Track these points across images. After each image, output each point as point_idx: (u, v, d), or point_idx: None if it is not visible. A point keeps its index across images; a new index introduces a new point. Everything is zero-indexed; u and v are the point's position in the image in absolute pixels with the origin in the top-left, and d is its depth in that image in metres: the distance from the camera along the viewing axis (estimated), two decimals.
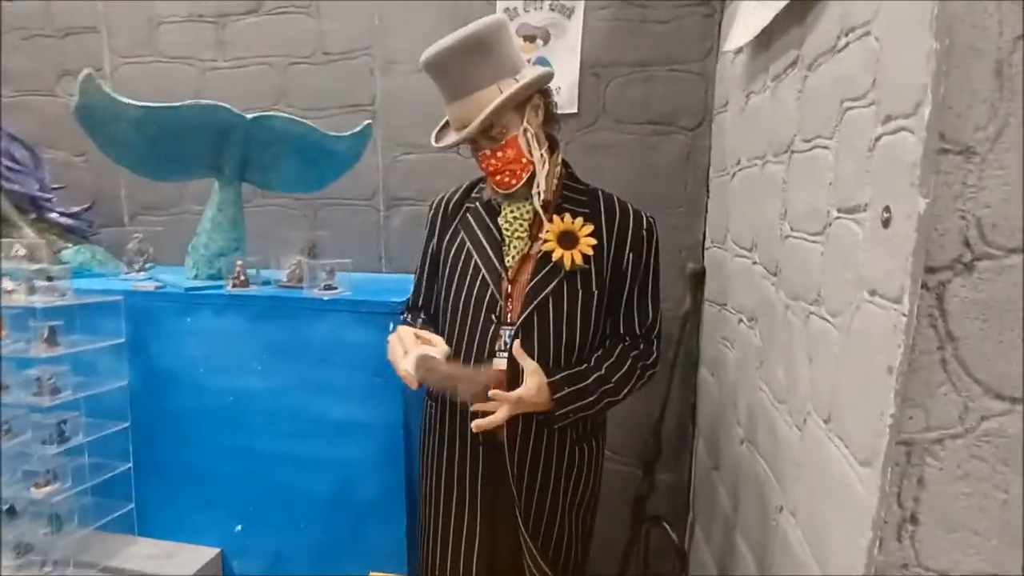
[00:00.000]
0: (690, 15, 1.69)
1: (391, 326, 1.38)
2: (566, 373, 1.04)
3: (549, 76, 1.04)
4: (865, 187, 0.70)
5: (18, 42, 2.09)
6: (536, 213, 1.07)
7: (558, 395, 1.02)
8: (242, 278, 1.54)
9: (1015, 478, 0.59)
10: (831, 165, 0.82)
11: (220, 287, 1.55)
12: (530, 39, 1.79)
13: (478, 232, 1.12)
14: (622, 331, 1.11)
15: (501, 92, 0.98)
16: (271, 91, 1.97)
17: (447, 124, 1.13)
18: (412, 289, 1.27)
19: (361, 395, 1.43)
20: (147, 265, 1.79)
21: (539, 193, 1.05)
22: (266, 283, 1.59)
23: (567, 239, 1.06)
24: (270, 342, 1.47)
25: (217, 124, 1.44)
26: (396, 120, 1.90)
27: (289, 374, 1.47)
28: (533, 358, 1.04)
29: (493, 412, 0.99)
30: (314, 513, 1.50)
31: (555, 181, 1.11)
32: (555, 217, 1.07)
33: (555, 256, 1.05)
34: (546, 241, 1.06)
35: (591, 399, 1.03)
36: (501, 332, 1.07)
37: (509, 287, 1.08)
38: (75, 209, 1.87)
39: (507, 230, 1.09)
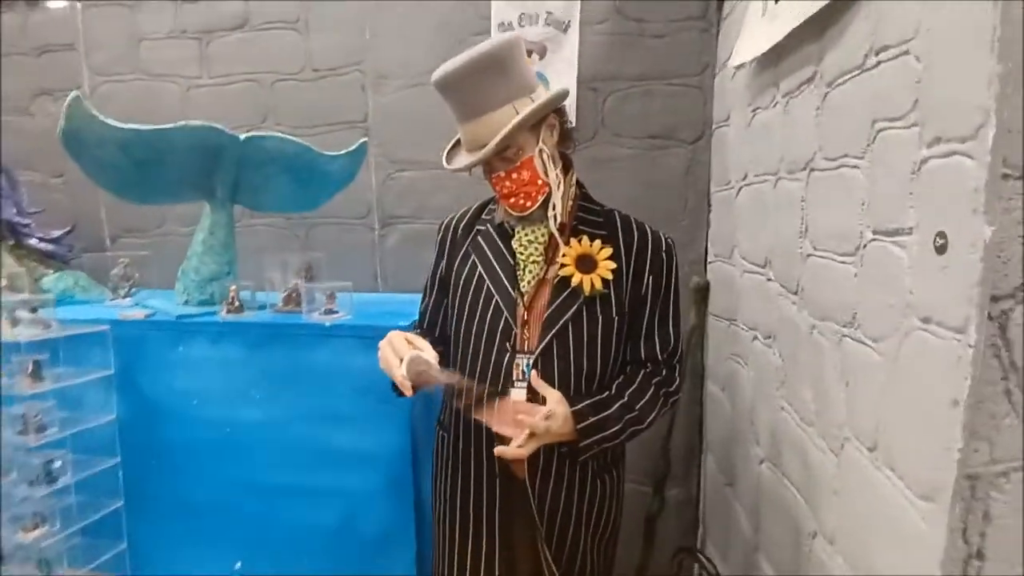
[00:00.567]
0: (686, 29, 1.69)
1: None
2: (589, 402, 1.00)
3: (564, 95, 1.01)
4: (908, 210, 0.69)
5: None
6: (551, 236, 1.04)
7: (582, 425, 0.98)
8: (237, 304, 1.47)
9: None
10: (863, 185, 0.81)
11: (214, 313, 1.48)
12: (526, 54, 1.77)
13: (490, 256, 1.08)
14: (643, 357, 1.08)
15: (517, 112, 0.95)
16: (258, 109, 1.91)
17: (456, 144, 1.09)
18: (419, 311, 1.22)
19: (367, 423, 1.38)
20: (133, 291, 1.71)
21: (556, 216, 1.01)
22: (262, 308, 1.53)
23: (585, 263, 1.03)
24: (269, 370, 1.41)
25: (209, 146, 1.38)
26: (390, 137, 1.86)
27: (289, 403, 1.40)
28: (553, 387, 1.00)
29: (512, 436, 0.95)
30: (318, 548, 1.43)
31: (570, 203, 1.08)
32: (572, 240, 1.04)
33: (574, 281, 1.02)
34: (564, 265, 1.03)
35: (615, 428, 1.00)
36: (518, 361, 1.03)
37: (525, 314, 1.04)
38: (55, 233, 1.78)
39: (521, 254, 1.06)
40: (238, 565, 1.47)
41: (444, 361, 1.05)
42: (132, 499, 1.48)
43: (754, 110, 1.31)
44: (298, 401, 1.40)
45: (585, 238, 1.04)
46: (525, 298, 1.04)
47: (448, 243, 1.15)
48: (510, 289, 1.04)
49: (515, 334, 1.03)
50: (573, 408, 0.98)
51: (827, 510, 0.91)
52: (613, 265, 1.03)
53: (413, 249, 1.89)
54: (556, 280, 1.03)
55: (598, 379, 1.05)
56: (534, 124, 0.99)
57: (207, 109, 1.88)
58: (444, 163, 1.06)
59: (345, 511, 1.41)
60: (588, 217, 1.08)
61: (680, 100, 1.72)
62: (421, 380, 0.95)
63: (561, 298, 1.02)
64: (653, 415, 1.03)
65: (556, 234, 1.02)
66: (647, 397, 1.03)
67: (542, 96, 0.98)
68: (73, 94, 1.19)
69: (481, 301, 1.06)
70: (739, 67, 1.37)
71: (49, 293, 1.58)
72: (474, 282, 1.08)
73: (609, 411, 1.00)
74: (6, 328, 1.28)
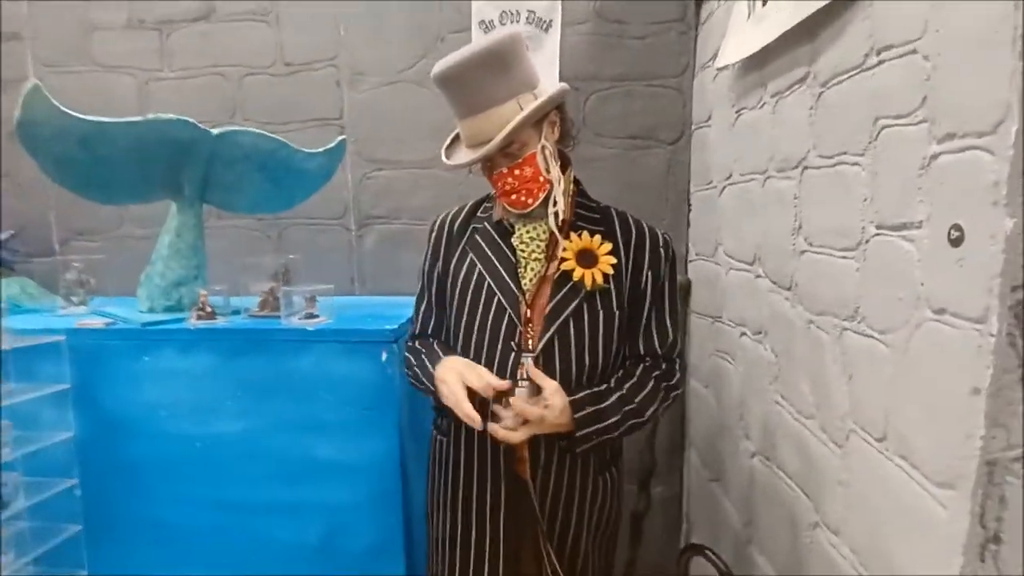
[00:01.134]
0: (666, 31, 1.71)
1: (383, 355, 1.29)
2: (587, 393, 0.99)
3: (566, 91, 1.00)
4: (917, 204, 0.70)
5: None
6: (552, 233, 1.02)
7: (579, 415, 0.96)
8: (208, 309, 1.39)
9: None
10: (864, 181, 0.83)
11: (182, 320, 1.39)
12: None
13: (490, 254, 1.05)
14: (642, 352, 1.08)
15: (521, 107, 0.93)
16: (225, 104, 1.82)
17: (454, 142, 1.06)
18: (414, 317, 1.18)
19: (351, 432, 1.32)
20: (88, 298, 1.59)
21: (558, 212, 1.00)
22: (236, 313, 1.45)
23: (586, 258, 1.02)
24: (245, 379, 1.33)
25: (178, 141, 1.30)
26: (366, 135, 1.80)
27: (268, 414, 1.33)
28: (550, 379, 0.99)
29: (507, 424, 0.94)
30: (301, 567, 1.36)
31: (568, 199, 1.06)
32: (572, 235, 1.03)
33: (575, 276, 1.01)
34: (564, 260, 1.02)
35: (614, 420, 0.99)
36: (522, 360, 1.01)
37: (528, 311, 1.03)
38: None
39: (523, 252, 1.04)
40: None
41: None
42: (93, 523, 1.37)
43: (739, 111, 1.34)
44: (277, 411, 1.33)
45: (585, 233, 1.03)
46: (527, 296, 1.03)
47: (444, 242, 1.12)
48: (512, 287, 1.02)
49: (519, 332, 1.01)
50: (571, 398, 0.97)
51: (831, 501, 0.92)
52: (614, 260, 1.02)
53: (391, 251, 1.84)
54: (557, 276, 1.02)
55: (599, 375, 1.04)
56: (537, 120, 0.97)
57: (168, 104, 1.77)
58: (444, 159, 1.03)
59: (329, 526, 1.34)
60: (586, 214, 1.07)
61: (660, 101, 1.74)
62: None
63: (562, 293, 1.01)
64: (653, 408, 1.03)
65: (556, 231, 1.01)
66: (647, 390, 1.03)
67: (545, 92, 0.97)
68: (32, 83, 1.09)
69: (483, 301, 1.03)
70: (722, 69, 1.40)
71: None
72: (474, 281, 1.05)
73: (607, 402, 0.99)
74: None
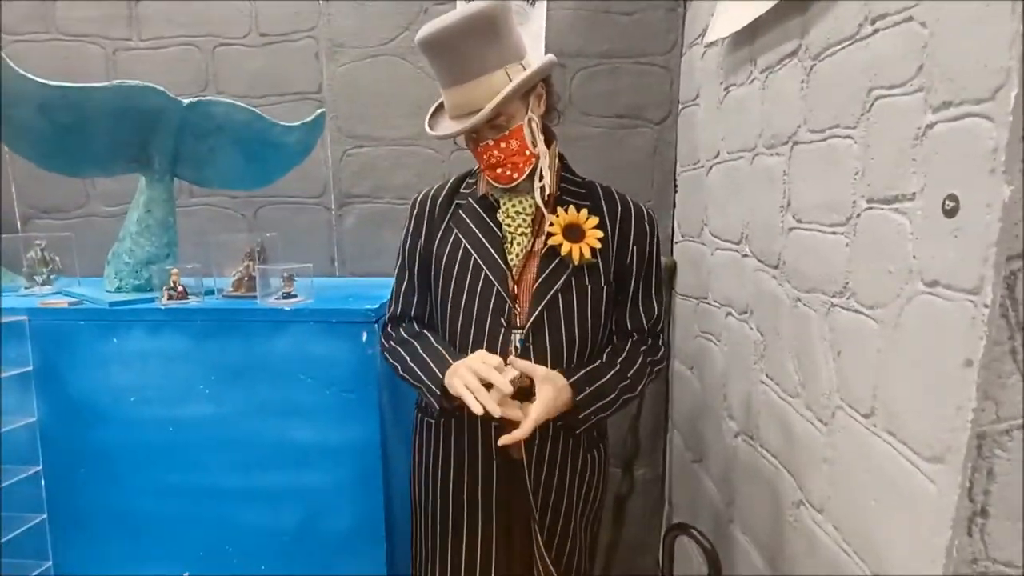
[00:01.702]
0: (653, 8, 1.68)
1: (363, 336, 1.26)
2: (584, 372, 0.98)
3: (554, 63, 0.96)
4: (910, 176, 0.69)
5: None
6: (539, 207, 0.99)
7: (580, 396, 0.95)
8: (180, 289, 1.34)
9: None
10: (856, 155, 0.81)
11: (152, 300, 1.34)
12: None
13: (475, 230, 1.02)
14: (629, 327, 1.07)
15: (510, 77, 0.90)
16: (198, 75, 1.74)
17: (437, 111, 1.02)
18: (392, 298, 1.14)
19: (331, 415, 1.28)
20: (52, 277, 1.52)
21: (544, 187, 0.97)
22: (209, 293, 1.39)
23: (573, 232, 1.00)
24: (218, 362, 1.28)
25: (146, 109, 1.23)
26: (347, 110, 1.74)
27: (243, 397, 1.28)
28: (545, 360, 0.97)
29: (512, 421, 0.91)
30: (278, 553, 1.32)
31: (553, 174, 1.04)
32: (559, 210, 1.01)
33: (563, 250, 0.98)
34: (552, 235, 0.99)
35: (611, 397, 0.98)
36: (511, 337, 0.98)
37: (515, 288, 1.00)
38: None
39: (509, 227, 1.01)
40: None
41: None
42: (57, 513, 1.32)
43: (727, 88, 1.31)
44: (253, 394, 1.28)
45: (572, 207, 1.01)
46: (515, 271, 1.00)
47: (426, 219, 1.08)
48: (500, 262, 0.99)
49: (508, 308, 0.98)
50: (570, 380, 0.95)
51: (815, 479, 0.92)
52: (600, 234, 1.00)
53: (373, 230, 1.79)
54: (544, 250, 1.00)
55: (589, 350, 1.03)
56: (524, 93, 0.94)
57: (137, 75, 1.64)
58: (427, 129, 0.99)
59: (308, 512, 1.31)
60: (571, 188, 1.05)
61: (647, 79, 1.71)
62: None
63: (550, 268, 0.99)
64: (642, 383, 1.03)
65: (541, 205, 0.98)
66: (637, 365, 1.02)
67: (533, 63, 0.93)
68: None
69: (469, 277, 1.00)
70: (710, 45, 1.37)
71: None
72: (459, 258, 1.02)
73: (604, 379, 0.99)
74: None
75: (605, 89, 1.71)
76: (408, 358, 1.03)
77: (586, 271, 1.00)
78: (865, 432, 0.78)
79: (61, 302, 1.33)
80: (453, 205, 1.07)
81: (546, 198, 0.98)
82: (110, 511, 1.32)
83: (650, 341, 1.07)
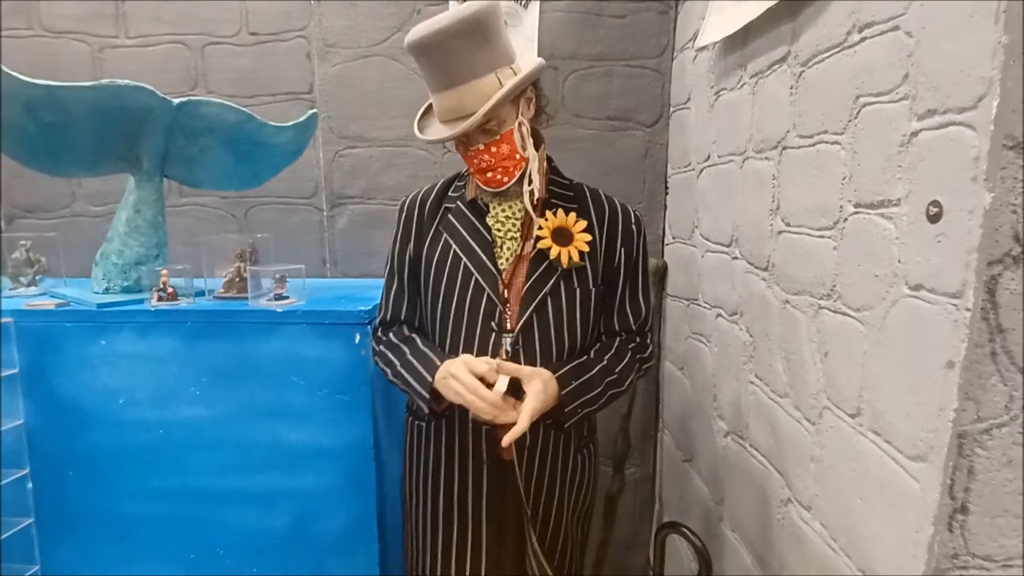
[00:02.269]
0: (646, 11, 1.69)
1: (356, 337, 1.26)
2: (571, 366, 0.99)
3: (544, 67, 0.97)
4: (896, 182, 0.71)
5: None
6: (527, 212, 1.00)
7: (567, 389, 0.96)
8: (169, 290, 1.33)
9: None
10: (844, 160, 0.83)
11: (141, 301, 1.33)
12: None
13: (465, 234, 1.03)
14: (617, 327, 1.09)
15: (501, 82, 0.90)
16: (187, 74, 1.73)
17: (426, 115, 1.02)
18: (383, 302, 1.14)
19: (323, 417, 1.28)
20: (38, 278, 1.50)
21: (533, 191, 0.98)
22: (200, 294, 1.39)
23: (562, 236, 1.01)
24: (209, 364, 1.28)
25: (135, 109, 1.22)
26: (339, 110, 1.74)
27: (234, 399, 1.28)
28: (535, 363, 0.98)
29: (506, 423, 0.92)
30: (270, 556, 1.32)
31: (541, 177, 1.04)
32: (548, 213, 1.01)
33: (552, 254, 0.99)
34: (541, 238, 1.00)
35: (597, 391, 0.99)
36: (502, 340, 0.99)
37: (505, 291, 1.01)
38: None
39: (498, 231, 1.02)
40: None
41: None
42: (45, 516, 1.31)
43: (718, 92, 1.33)
44: (244, 397, 1.28)
45: (560, 211, 1.01)
46: (504, 275, 1.01)
47: (415, 222, 1.08)
48: (490, 266, 1.00)
49: (499, 312, 0.99)
50: (556, 374, 0.96)
51: (803, 478, 0.94)
52: (589, 237, 1.01)
53: (365, 231, 1.79)
54: (533, 254, 1.00)
55: (578, 353, 1.04)
56: (514, 97, 0.95)
57: (124, 74, 1.63)
58: (417, 134, 0.99)
59: (300, 514, 1.31)
60: (559, 191, 1.06)
61: (638, 82, 1.72)
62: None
63: (539, 272, 1.00)
64: (630, 380, 1.04)
65: (530, 210, 0.99)
66: (625, 361, 1.04)
67: (523, 67, 0.94)
68: None
69: (459, 281, 1.00)
70: (701, 49, 1.39)
71: None
72: (449, 261, 1.02)
73: (591, 373, 1.00)
74: None
75: (597, 91, 1.73)
76: (397, 362, 1.03)
77: (575, 274, 1.01)
78: (851, 432, 0.80)
79: (48, 303, 1.31)
80: (442, 209, 1.07)
81: (535, 202, 0.99)
82: (99, 514, 1.31)
83: (638, 339, 1.09)
